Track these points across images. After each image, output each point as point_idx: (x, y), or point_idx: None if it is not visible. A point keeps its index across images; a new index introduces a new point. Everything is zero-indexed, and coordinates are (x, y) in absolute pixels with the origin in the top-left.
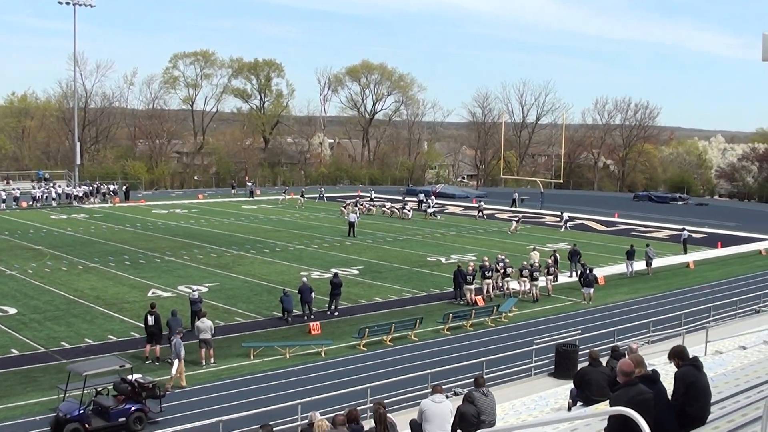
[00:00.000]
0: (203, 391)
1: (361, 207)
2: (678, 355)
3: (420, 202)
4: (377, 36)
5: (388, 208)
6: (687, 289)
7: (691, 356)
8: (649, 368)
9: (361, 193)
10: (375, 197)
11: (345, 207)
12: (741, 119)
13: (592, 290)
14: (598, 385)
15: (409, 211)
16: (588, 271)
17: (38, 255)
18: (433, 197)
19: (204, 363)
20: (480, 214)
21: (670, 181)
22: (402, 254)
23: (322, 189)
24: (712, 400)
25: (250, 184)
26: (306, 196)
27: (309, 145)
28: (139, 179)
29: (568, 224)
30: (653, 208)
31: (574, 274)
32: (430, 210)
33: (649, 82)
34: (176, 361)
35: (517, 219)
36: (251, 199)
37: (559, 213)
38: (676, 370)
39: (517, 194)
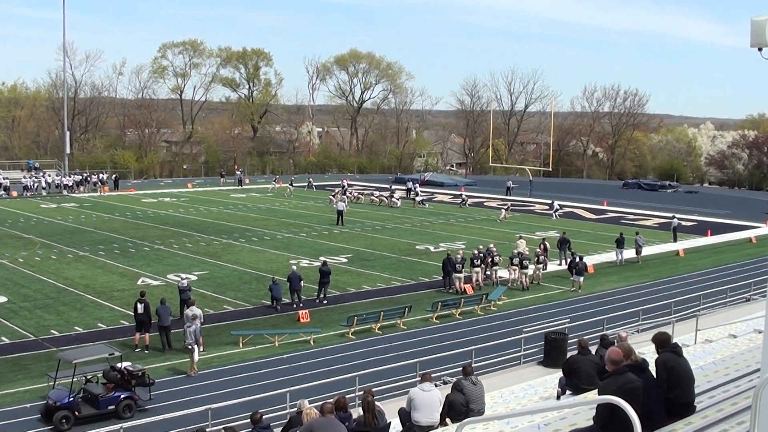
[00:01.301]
0: (193, 378)
1: (350, 196)
2: (658, 342)
3: (408, 190)
4: (365, 25)
5: (376, 197)
6: (677, 277)
7: (672, 343)
8: (639, 357)
9: (349, 182)
10: (349, 185)
11: (334, 195)
12: (730, 106)
13: (582, 278)
14: (587, 374)
15: (397, 199)
16: (579, 260)
17: (28, 244)
18: (418, 185)
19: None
20: (462, 202)
21: (659, 168)
22: (391, 243)
23: (311, 178)
24: (702, 389)
25: (239, 172)
26: (294, 184)
27: (297, 133)
28: (128, 168)
29: (558, 213)
30: (643, 195)
31: (563, 262)
32: (418, 198)
33: (638, 70)
34: (196, 347)
35: (506, 207)
36: (240, 187)
37: (549, 201)
38: (656, 356)
39: (510, 182)
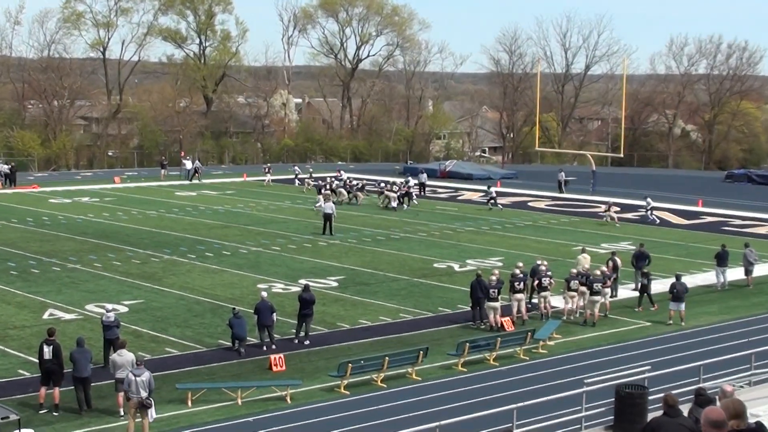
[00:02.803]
0: None
1: (348, 190)
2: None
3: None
4: None
5: (382, 195)
6: None
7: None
8: (751, 420)
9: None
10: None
11: (308, 181)
12: None
13: (683, 306)
14: None
15: (406, 198)
16: (676, 279)
17: None
18: (410, 179)
19: (122, 412)
20: (491, 201)
21: None
22: (399, 259)
23: (310, 168)
24: None
25: (187, 161)
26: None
27: (268, 106)
28: (29, 156)
29: (654, 213)
30: (754, 192)
31: (639, 285)
32: (414, 192)
33: (746, 16)
34: (153, 406)
35: (607, 205)
36: (190, 182)
37: (644, 200)
38: None
39: (563, 174)
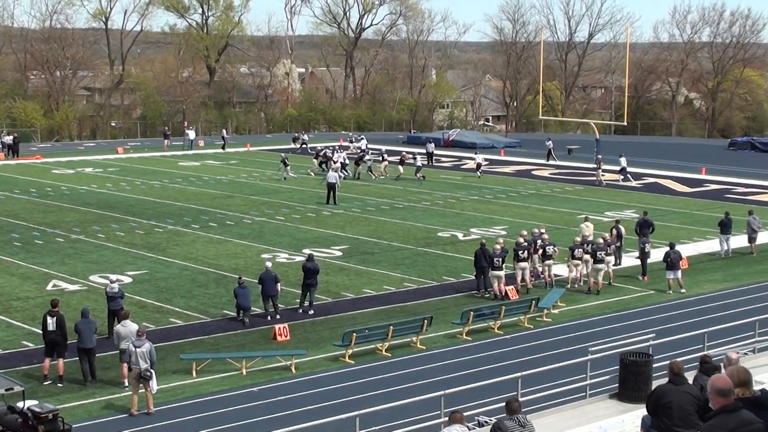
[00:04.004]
0: (126, 423)
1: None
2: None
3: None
4: None
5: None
6: None
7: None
8: (757, 387)
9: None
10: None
11: (318, 155)
12: None
13: (679, 273)
14: (681, 412)
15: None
16: (670, 248)
17: None
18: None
19: (126, 383)
20: (479, 169)
21: None
22: (403, 228)
23: (304, 136)
24: None
25: (190, 131)
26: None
27: (271, 76)
28: (32, 127)
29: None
30: (757, 160)
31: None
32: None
33: None
34: (154, 376)
35: (596, 161)
36: (192, 152)
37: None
38: None
39: (551, 142)
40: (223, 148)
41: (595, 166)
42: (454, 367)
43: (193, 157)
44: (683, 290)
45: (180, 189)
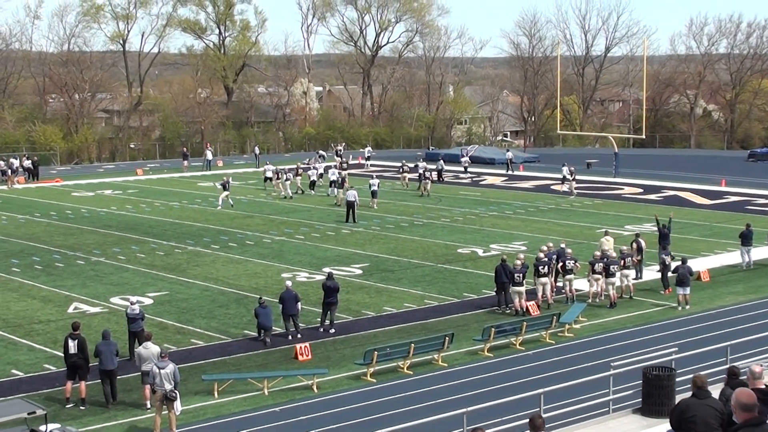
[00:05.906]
0: None
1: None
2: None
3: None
4: None
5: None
6: None
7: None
8: None
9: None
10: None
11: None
12: None
13: (688, 290)
14: (705, 425)
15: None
16: (682, 263)
17: None
18: (423, 164)
19: (149, 405)
20: (426, 176)
21: None
22: (423, 245)
23: (339, 146)
24: None
25: (209, 151)
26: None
27: (289, 95)
28: (52, 150)
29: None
30: None
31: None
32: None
33: None
34: (179, 397)
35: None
36: (210, 173)
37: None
38: None
39: (510, 153)
40: (257, 165)
41: (568, 177)
42: (476, 384)
43: (211, 177)
44: (688, 306)
45: (199, 209)
